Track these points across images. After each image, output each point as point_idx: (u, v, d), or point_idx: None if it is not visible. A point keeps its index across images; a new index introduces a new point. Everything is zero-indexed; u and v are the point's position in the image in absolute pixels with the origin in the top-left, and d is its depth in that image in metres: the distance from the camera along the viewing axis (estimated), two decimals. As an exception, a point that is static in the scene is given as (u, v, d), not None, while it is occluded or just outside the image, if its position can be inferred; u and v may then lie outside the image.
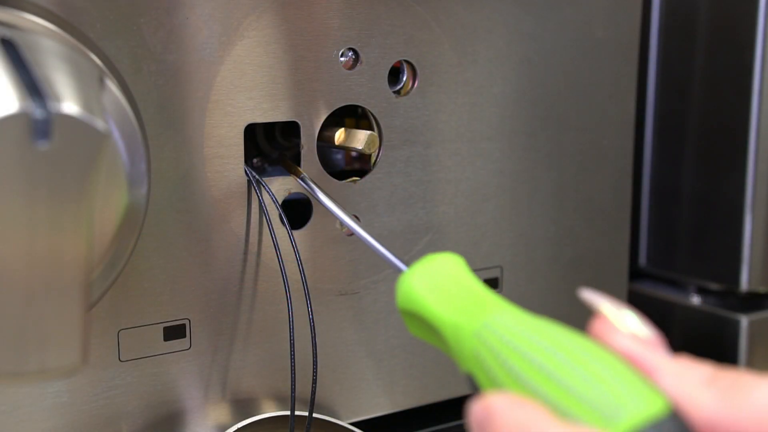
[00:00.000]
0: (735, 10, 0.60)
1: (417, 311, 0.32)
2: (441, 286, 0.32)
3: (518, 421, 0.27)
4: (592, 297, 0.31)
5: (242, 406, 0.48)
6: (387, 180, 0.49)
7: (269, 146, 0.49)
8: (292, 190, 0.47)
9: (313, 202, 0.48)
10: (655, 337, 0.29)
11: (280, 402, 0.49)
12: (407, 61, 0.49)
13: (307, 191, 0.46)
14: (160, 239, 0.44)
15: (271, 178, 0.46)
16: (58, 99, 0.31)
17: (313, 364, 0.46)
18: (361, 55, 0.47)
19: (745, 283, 0.60)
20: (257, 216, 0.46)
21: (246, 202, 0.46)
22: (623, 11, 0.56)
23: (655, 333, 0.29)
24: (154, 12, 0.42)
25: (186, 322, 0.46)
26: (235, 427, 0.46)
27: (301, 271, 0.46)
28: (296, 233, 0.47)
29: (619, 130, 0.57)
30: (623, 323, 0.29)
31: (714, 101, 0.62)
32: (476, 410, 0.28)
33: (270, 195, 0.46)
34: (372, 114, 0.48)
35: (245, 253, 0.47)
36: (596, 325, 0.29)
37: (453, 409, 0.53)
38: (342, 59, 0.47)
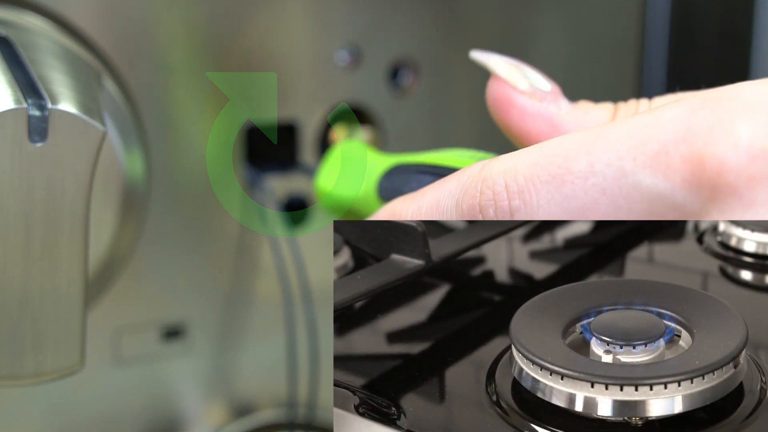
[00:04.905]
0: (736, 6, 0.59)
1: (333, 204, 0.39)
2: (344, 172, 0.39)
3: None
4: (482, 56, 0.31)
5: (241, 407, 0.48)
6: (388, 180, 0.49)
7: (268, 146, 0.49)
8: (292, 191, 0.47)
9: (313, 202, 0.47)
10: (554, 88, 0.30)
11: (279, 404, 0.49)
12: (409, 60, 0.48)
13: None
14: (159, 239, 0.44)
15: (271, 178, 0.46)
16: (54, 98, 0.31)
17: (312, 366, 0.46)
18: (362, 54, 0.47)
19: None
20: (257, 216, 0.46)
21: (246, 203, 0.46)
22: (625, 9, 0.55)
23: (553, 85, 0.30)
24: (153, 11, 0.42)
25: (185, 322, 0.46)
26: None
27: (301, 272, 0.46)
28: (296, 234, 0.47)
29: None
30: (520, 80, 0.30)
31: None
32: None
33: (270, 195, 0.45)
34: (373, 113, 0.48)
35: (245, 253, 0.46)
36: (493, 87, 0.30)
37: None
38: (343, 58, 0.47)
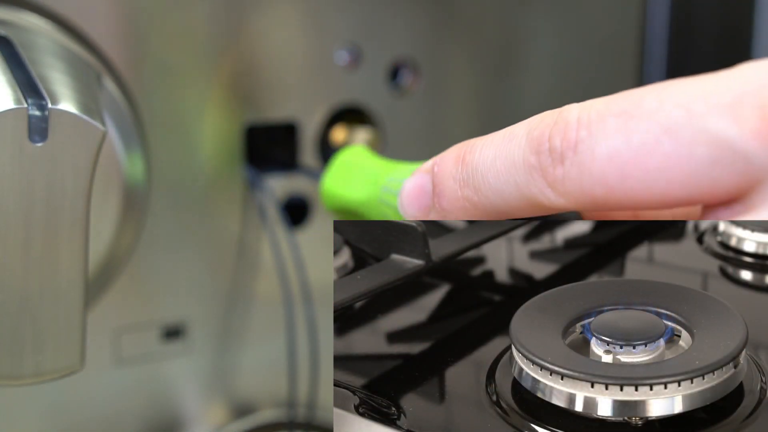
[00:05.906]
0: (736, 6, 0.59)
1: (337, 206, 0.40)
2: (349, 176, 0.40)
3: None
4: None
5: (241, 407, 0.48)
6: (388, 180, 0.49)
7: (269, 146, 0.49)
8: (292, 191, 0.47)
9: (313, 202, 0.47)
10: None
11: (279, 404, 0.49)
12: (409, 60, 0.48)
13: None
14: (160, 239, 0.44)
15: (271, 178, 0.46)
16: (54, 98, 0.31)
17: (312, 366, 0.46)
18: (362, 54, 0.47)
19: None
20: (257, 216, 0.46)
21: (246, 203, 0.46)
22: (625, 9, 0.55)
23: None
24: (153, 11, 0.42)
25: (185, 322, 0.46)
26: None
27: (301, 272, 0.46)
28: (296, 233, 0.47)
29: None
30: None
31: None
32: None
33: (270, 195, 0.45)
34: (373, 114, 0.48)
35: (245, 253, 0.46)
36: None
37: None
38: (342, 58, 0.47)
